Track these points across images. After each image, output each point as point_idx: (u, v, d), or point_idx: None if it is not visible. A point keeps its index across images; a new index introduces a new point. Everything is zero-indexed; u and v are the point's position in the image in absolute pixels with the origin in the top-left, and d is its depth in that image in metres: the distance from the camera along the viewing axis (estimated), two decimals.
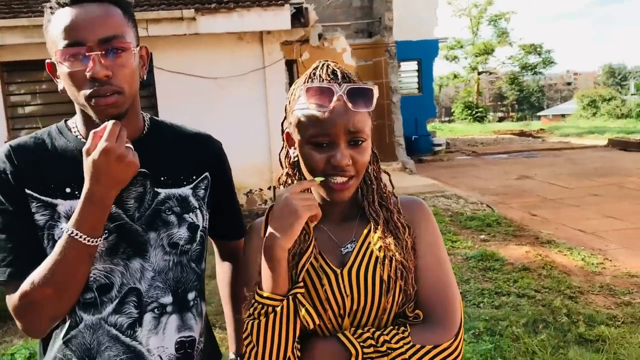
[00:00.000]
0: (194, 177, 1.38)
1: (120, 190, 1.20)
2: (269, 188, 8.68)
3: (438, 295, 1.24)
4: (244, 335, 1.19)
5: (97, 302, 1.27)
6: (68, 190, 1.25)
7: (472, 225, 7.46)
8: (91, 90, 1.17)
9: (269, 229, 1.17)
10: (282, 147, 1.34)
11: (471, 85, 45.56)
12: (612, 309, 4.50)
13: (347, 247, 1.28)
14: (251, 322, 1.17)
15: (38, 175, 1.25)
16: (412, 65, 17.10)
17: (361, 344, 1.17)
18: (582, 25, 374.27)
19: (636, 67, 64.98)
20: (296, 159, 1.29)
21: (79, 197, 1.17)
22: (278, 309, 1.15)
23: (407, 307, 1.25)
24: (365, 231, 1.29)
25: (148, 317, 1.29)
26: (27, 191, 1.24)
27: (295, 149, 1.27)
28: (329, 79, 1.22)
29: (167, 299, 1.32)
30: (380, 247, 1.25)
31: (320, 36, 9.04)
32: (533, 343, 3.79)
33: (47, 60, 1.24)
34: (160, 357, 1.31)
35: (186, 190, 1.36)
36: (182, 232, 1.33)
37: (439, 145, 17.45)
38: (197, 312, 1.39)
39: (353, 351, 1.16)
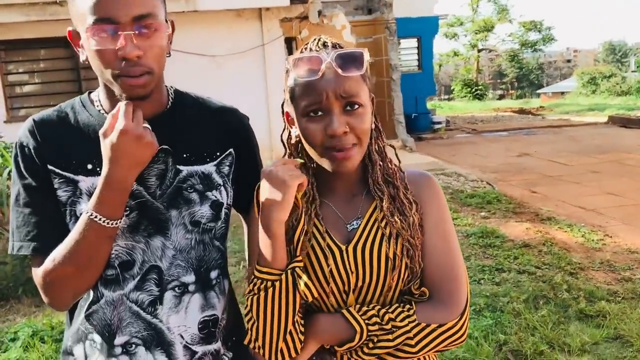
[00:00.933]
0: (218, 154, 1.35)
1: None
2: None
3: (444, 274, 1.23)
4: (245, 312, 1.20)
5: (119, 278, 1.26)
6: (90, 166, 1.24)
7: (472, 203, 7.47)
8: (120, 69, 1.14)
9: (262, 206, 1.17)
10: (284, 129, 1.33)
11: (471, 63, 45.27)
12: (612, 284, 4.52)
13: (353, 224, 1.27)
14: (251, 297, 1.17)
15: (60, 151, 1.24)
16: (412, 43, 16.97)
17: (366, 321, 1.17)
18: (582, 1, 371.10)
19: (637, 44, 64.65)
20: (298, 138, 1.27)
21: (100, 174, 1.16)
22: (277, 283, 1.15)
23: (413, 285, 1.24)
24: (371, 207, 1.27)
25: (169, 296, 1.29)
26: (50, 167, 1.23)
27: (295, 127, 1.26)
28: (318, 49, 1.20)
29: (190, 278, 1.30)
30: (386, 224, 1.24)
31: (319, 13, 8.96)
32: (534, 319, 3.81)
33: (69, 28, 1.21)
34: (182, 336, 1.30)
35: (209, 168, 1.33)
36: (204, 210, 1.31)
37: (439, 123, 17.37)
38: (220, 290, 1.37)
39: (358, 328, 1.17)
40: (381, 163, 1.29)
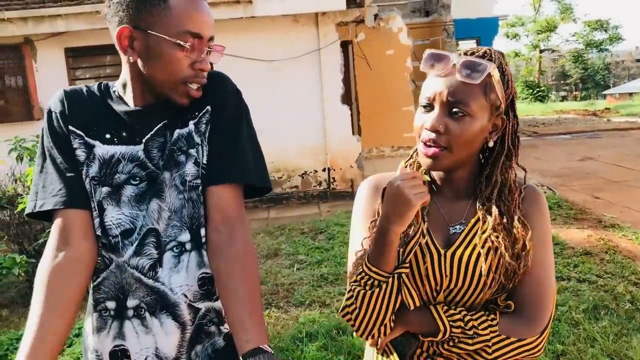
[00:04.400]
0: (197, 113, 1.40)
1: (147, 140, 1.35)
2: (324, 170, 8.71)
3: (534, 292, 1.26)
4: (347, 296, 1.27)
5: (118, 245, 1.34)
6: (108, 136, 1.36)
7: None
8: (192, 76, 1.32)
9: (384, 214, 1.21)
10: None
11: (532, 64, 44.08)
12: None
13: (456, 228, 1.31)
14: (357, 289, 1.24)
15: (83, 118, 1.36)
16: (471, 44, 16.69)
17: (451, 323, 1.23)
18: None
19: None
20: None
21: (117, 144, 1.33)
22: (383, 285, 1.21)
23: (500, 297, 1.28)
24: (476, 218, 1.30)
25: (168, 256, 1.34)
26: (71, 127, 1.35)
27: None
28: (465, 53, 1.25)
29: (185, 237, 1.36)
30: (486, 240, 1.26)
31: (375, 16, 8.92)
32: (594, 329, 3.69)
33: (124, 25, 1.29)
34: (185, 295, 1.35)
35: (191, 126, 1.39)
36: (188, 168, 1.36)
37: None
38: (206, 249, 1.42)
39: (442, 327, 1.23)
40: (499, 185, 1.30)
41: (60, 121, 1.36)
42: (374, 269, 1.22)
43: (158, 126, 1.36)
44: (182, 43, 1.27)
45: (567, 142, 14.74)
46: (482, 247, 1.26)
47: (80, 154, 1.35)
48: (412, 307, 1.24)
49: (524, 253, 1.25)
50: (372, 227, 1.31)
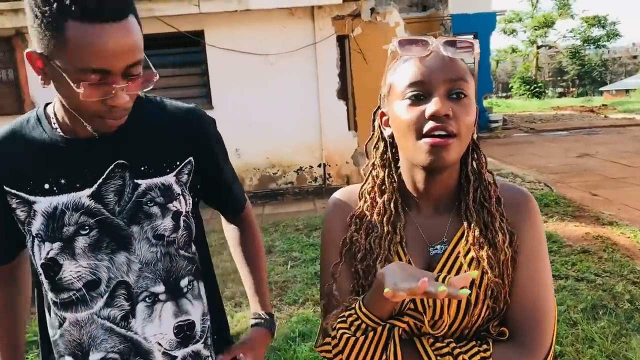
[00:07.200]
0: (178, 163, 1.30)
1: (99, 184, 1.22)
2: (319, 165, 8.63)
3: (530, 315, 1.11)
4: (331, 334, 1.11)
5: (86, 298, 1.25)
6: (47, 186, 1.22)
7: None
8: (104, 112, 1.13)
9: (388, 272, 1.01)
10: (370, 138, 1.24)
11: (530, 60, 44.09)
12: None
13: (437, 248, 1.15)
14: (343, 330, 1.09)
15: (16, 173, 1.23)
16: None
17: (438, 357, 1.08)
18: None
19: None
20: (390, 139, 1.18)
21: (57, 193, 1.20)
22: (370, 333, 1.06)
23: (492, 323, 1.13)
24: (459, 233, 1.15)
25: (141, 307, 1.27)
26: (6, 188, 1.23)
27: (389, 127, 1.16)
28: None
29: (159, 288, 1.28)
30: (472, 258, 1.11)
31: (372, 10, 8.85)
32: (592, 330, 3.62)
33: (29, 50, 1.10)
34: (159, 344, 1.29)
35: (169, 179, 1.29)
36: (166, 223, 1.28)
37: (496, 121, 16.97)
38: (194, 295, 1.35)
39: None
40: (477, 185, 1.17)
41: None
42: (365, 311, 1.06)
43: (110, 167, 1.23)
44: (82, 82, 1.06)
45: (564, 138, 14.71)
46: (469, 266, 1.11)
47: (20, 213, 1.24)
48: None
49: (505, 262, 1.10)
50: (341, 248, 1.19)
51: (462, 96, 1.07)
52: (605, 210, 6.88)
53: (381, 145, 1.21)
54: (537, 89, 37.63)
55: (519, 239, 1.13)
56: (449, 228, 1.16)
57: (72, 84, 1.07)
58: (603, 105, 26.95)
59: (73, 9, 1.01)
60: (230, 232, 1.60)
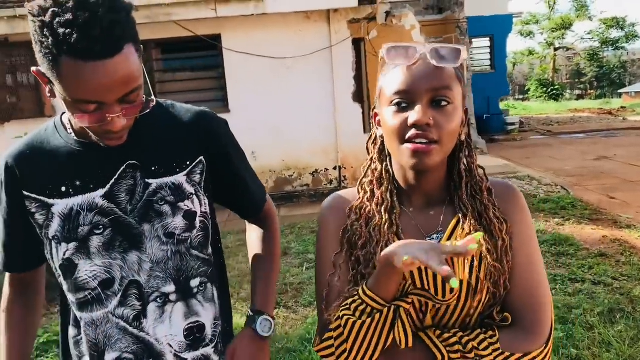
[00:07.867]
0: (188, 163, 1.34)
1: (112, 185, 1.26)
2: (335, 168, 8.66)
3: (528, 299, 1.16)
4: (334, 325, 1.13)
5: (101, 297, 1.29)
6: (63, 189, 1.27)
7: (545, 208, 7.16)
8: (102, 133, 1.18)
9: (400, 245, 1.05)
10: (370, 135, 1.28)
11: (547, 62, 43.75)
12: None
13: (433, 238, 1.18)
14: (347, 318, 1.11)
15: (36, 178, 1.29)
16: (484, 42, 16.58)
17: (447, 348, 1.11)
18: None
19: None
20: (382, 139, 1.22)
21: (73, 195, 1.25)
22: (377, 315, 1.08)
23: (495, 308, 1.17)
24: (454, 221, 1.19)
25: (152, 307, 1.31)
26: (25, 193, 1.29)
27: (381, 127, 1.20)
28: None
29: (169, 288, 1.32)
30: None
31: (388, 13, 8.86)
32: (609, 334, 3.60)
33: (35, 69, 1.15)
34: (170, 345, 1.32)
35: (180, 178, 1.33)
36: (177, 222, 1.31)
37: (512, 124, 16.87)
38: (206, 297, 1.38)
39: (439, 356, 1.10)
40: (469, 181, 1.21)
41: (12, 187, 1.30)
42: (370, 294, 1.08)
43: (122, 168, 1.28)
44: (78, 110, 1.11)
45: (582, 141, 14.58)
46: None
47: (39, 217, 1.29)
48: (402, 347, 1.09)
49: (503, 249, 1.15)
50: (341, 237, 1.22)
51: (445, 104, 1.11)
52: (622, 214, 6.81)
53: (378, 141, 1.26)
54: (555, 92, 37.32)
55: (511, 226, 1.18)
56: (444, 219, 1.20)
57: (72, 106, 1.12)
58: (621, 107, 26.66)
59: (65, 47, 1.03)
60: (250, 230, 1.62)
